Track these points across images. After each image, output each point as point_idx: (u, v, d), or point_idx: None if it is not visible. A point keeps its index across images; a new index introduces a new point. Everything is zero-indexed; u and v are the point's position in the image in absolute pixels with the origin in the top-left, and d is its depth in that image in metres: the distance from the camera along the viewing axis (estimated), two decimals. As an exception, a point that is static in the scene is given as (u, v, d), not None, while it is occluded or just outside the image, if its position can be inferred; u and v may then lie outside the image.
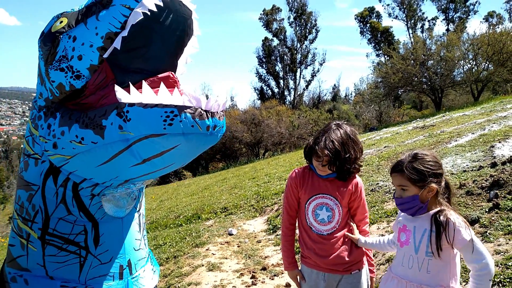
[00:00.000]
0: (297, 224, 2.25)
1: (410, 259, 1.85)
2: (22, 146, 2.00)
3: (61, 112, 1.70)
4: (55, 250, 1.81)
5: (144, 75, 1.75)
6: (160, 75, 1.81)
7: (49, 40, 1.71)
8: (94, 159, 1.62)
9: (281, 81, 45.49)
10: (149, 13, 1.58)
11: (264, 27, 45.39)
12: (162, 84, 1.53)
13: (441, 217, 1.76)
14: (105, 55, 1.61)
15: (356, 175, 2.17)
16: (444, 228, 1.73)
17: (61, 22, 1.74)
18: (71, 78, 1.64)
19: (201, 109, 1.50)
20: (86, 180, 1.73)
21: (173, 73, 1.88)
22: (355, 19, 46.45)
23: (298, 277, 2.22)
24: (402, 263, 1.89)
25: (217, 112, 1.56)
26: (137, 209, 2.05)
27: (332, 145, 1.99)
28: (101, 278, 1.87)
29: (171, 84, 1.82)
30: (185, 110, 1.46)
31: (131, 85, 1.52)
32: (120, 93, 1.50)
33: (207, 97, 1.56)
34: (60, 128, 1.66)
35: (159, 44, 1.87)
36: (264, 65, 45.31)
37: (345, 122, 2.16)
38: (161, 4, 1.60)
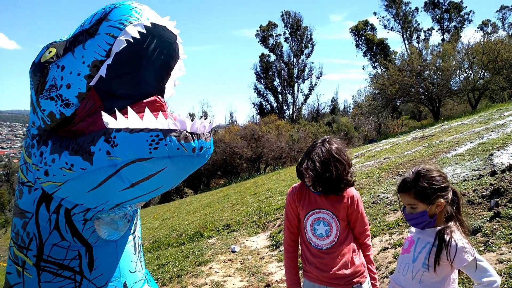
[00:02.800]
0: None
1: (406, 267, 1.92)
2: (17, 174, 2.03)
3: (53, 140, 1.74)
4: (51, 276, 1.82)
5: (131, 100, 1.78)
6: (146, 100, 1.83)
7: (38, 70, 1.77)
8: (84, 185, 1.64)
9: (280, 95, 45.79)
10: (132, 41, 1.62)
11: (260, 43, 45.90)
12: (146, 109, 1.55)
13: (446, 236, 1.79)
14: (92, 83, 1.65)
15: (352, 188, 2.18)
16: (446, 246, 1.77)
17: (50, 52, 1.79)
18: (61, 107, 1.69)
19: (186, 131, 1.51)
20: (78, 205, 1.75)
21: (159, 97, 1.90)
22: (350, 32, 47.01)
23: None
24: (399, 269, 1.97)
25: (203, 133, 1.57)
26: (132, 231, 2.06)
27: (313, 166, 2.03)
28: None
29: (158, 108, 1.84)
30: (170, 134, 1.48)
31: (117, 111, 1.54)
32: (107, 119, 1.52)
33: (192, 119, 1.57)
34: (51, 155, 1.69)
35: (145, 69, 1.91)
36: (262, 80, 45.66)
37: (333, 138, 2.18)
38: (144, 31, 1.65)
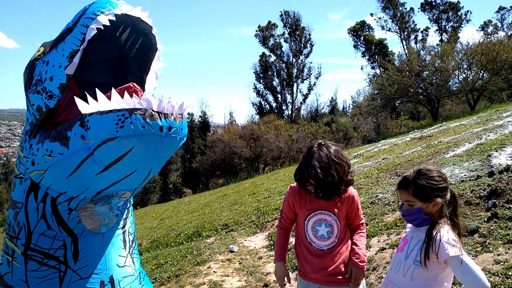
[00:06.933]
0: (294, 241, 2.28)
1: (398, 264, 1.96)
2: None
3: (40, 132, 1.84)
4: (36, 265, 1.88)
5: (107, 89, 1.82)
6: (121, 87, 1.88)
7: (28, 68, 1.89)
8: (63, 170, 1.71)
9: (279, 95, 45.74)
10: (102, 28, 1.72)
11: (260, 43, 45.84)
12: (113, 90, 1.59)
13: (433, 230, 1.84)
14: (68, 72, 1.74)
15: (350, 187, 2.20)
16: (432, 240, 1.81)
17: (39, 51, 1.91)
18: (46, 99, 1.78)
19: (152, 110, 1.54)
20: (62, 194, 1.81)
21: (134, 83, 1.94)
22: (348, 33, 46.93)
23: (285, 276, 2.23)
24: (392, 267, 2.01)
25: (171, 113, 1.59)
26: (121, 226, 2.09)
27: (314, 173, 2.03)
28: None
29: (132, 93, 1.88)
30: (136, 112, 1.51)
31: (88, 95, 1.58)
32: (80, 104, 1.57)
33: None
34: (37, 145, 1.79)
35: (121, 58, 2.00)
36: (261, 80, 45.60)
37: (328, 141, 2.19)
38: (114, 19, 1.74)
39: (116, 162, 1.60)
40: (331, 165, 2.05)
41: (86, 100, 1.58)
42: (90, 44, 1.74)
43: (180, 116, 1.64)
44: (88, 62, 1.81)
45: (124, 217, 2.11)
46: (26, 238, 1.89)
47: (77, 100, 1.57)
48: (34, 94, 1.81)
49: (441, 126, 13.01)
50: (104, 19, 1.71)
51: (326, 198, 2.11)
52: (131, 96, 1.58)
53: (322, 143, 2.15)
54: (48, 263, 1.87)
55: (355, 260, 2.13)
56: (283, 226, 2.32)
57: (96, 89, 1.61)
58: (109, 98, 1.59)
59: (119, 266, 2.03)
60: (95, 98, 1.58)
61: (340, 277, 2.11)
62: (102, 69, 1.99)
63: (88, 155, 1.60)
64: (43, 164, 1.74)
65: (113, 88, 1.61)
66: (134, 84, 1.93)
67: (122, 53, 2.01)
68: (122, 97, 1.56)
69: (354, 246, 2.18)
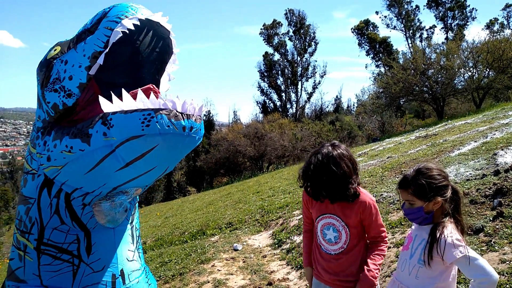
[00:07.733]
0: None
1: (404, 263, 1.96)
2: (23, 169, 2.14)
3: (56, 129, 1.87)
4: (50, 259, 1.92)
5: (127, 89, 1.87)
6: (143, 88, 1.92)
7: (44, 66, 1.92)
8: (83, 166, 1.74)
9: (283, 94, 45.69)
10: (127, 32, 1.77)
11: (265, 42, 45.78)
12: (139, 90, 1.65)
13: (437, 231, 1.83)
14: (91, 72, 1.78)
15: (366, 194, 2.10)
16: (436, 241, 1.80)
17: (55, 50, 1.95)
18: (64, 97, 1.82)
19: (177, 111, 1.61)
20: (77, 189, 1.84)
21: (154, 85, 2.00)
22: (352, 32, 46.76)
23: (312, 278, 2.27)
24: (398, 266, 2.01)
25: (193, 114, 1.67)
26: (129, 221, 2.15)
27: (306, 168, 2.06)
28: (94, 286, 1.95)
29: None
30: (161, 112, 1.58)
31: (112, 94, 1.64)
32: (104, 103, 1.63)
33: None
34: (54, 142, 1.81)
35: (140, 61, 2.08)
36: (265, 79, 45.58)
37: (343, 145, 2.08)
38: (138, 23, 1.80)
39: (137, 159, 1.66)
40: (324, 168, 1.97)
41: (108, 99, 1.64)
42: (112, 46, 1.79)
43: (199, 117, 1.72)
44: (108, 63, 1.87)
45: (132, 212, 2.17)
46: (38, 233, 1.92)
47: (101, 99, 1.62)
48: (51, 92, 1.84)
49: (446, 124, 12.94)
50: (129, 23, 1.77)
51: (314, 198, 2.09)
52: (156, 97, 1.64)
53: (336, 144, 2.07)
54: (62, 257, 1.92)
55: (362, 282, 2.02)
56: (304, 227, 2.33)
57: (123, 89, 1.66)
58: (133, 97, 1.65)
59: (128, 260, 2.08)
60: (118, 97, 1.64)
61: (350, 283, 2.07)
62: (121, 70, 2.06)
63: (110, 152, 1.65)
64: (61, 160, 1.77)
65: (139, 89, 1.67)
66: (154, 85, 1.99)
67: (142, 56, 2.09)
68: (141, 93, 1.63)
69: (365, 267, 2.03)
